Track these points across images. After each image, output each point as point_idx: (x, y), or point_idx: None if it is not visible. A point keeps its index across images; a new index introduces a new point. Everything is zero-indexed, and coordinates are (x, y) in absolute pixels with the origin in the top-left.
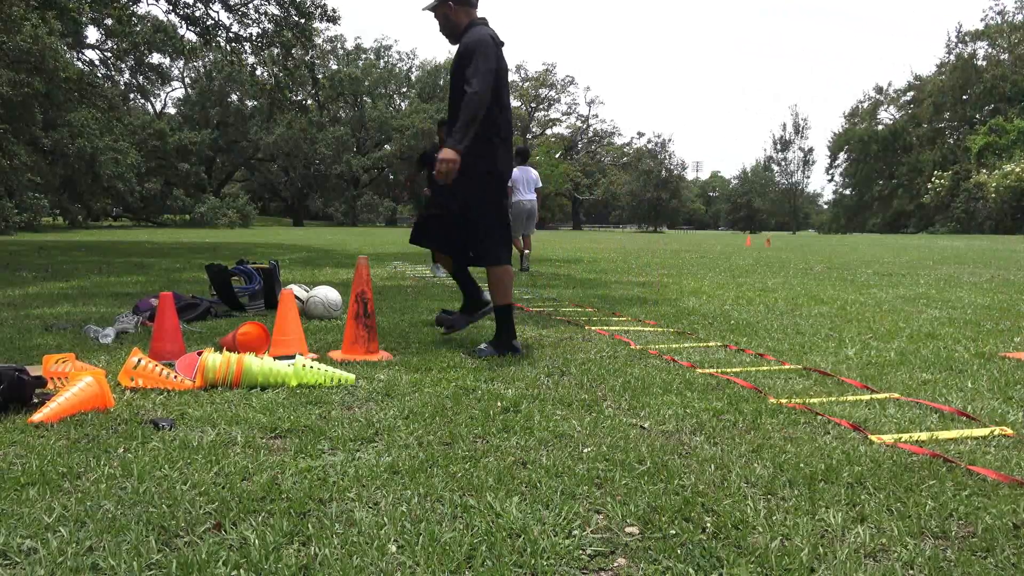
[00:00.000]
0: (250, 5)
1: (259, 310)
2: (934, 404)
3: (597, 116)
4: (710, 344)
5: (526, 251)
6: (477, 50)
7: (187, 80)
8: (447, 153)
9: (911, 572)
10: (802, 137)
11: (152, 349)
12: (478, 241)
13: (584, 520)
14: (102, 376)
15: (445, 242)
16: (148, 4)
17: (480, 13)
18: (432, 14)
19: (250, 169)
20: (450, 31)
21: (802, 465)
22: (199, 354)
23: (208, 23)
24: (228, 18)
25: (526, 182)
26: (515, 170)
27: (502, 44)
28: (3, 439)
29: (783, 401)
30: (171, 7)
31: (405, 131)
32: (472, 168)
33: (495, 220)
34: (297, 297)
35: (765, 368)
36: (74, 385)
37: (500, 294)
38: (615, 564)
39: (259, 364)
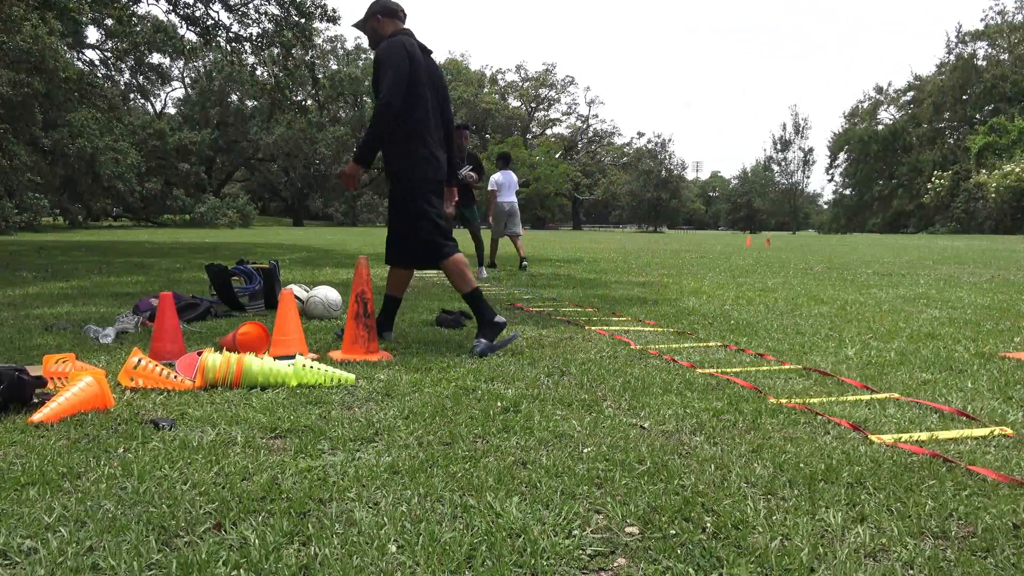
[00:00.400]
0: (250, 5)
1: (259, 310)
2: (934, 404)
3: (597, 116)
4: (710, 344)
5: (491, 254)
6: (384, 59)
7: (187, 80)
8: (348, 167)
9: (911, 572)
10: (802, 137)
11: (152, 349)
12: (420, 244)
13: (584, 520)
14: (102, 376)
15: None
16: (148, 4)
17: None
18: (361, 31)
19: (250, 169)
20: (376, 44)
21: (802, 465)
22: (199, 354)
23: (208, 23)
24: (228, 18)
25: (509, 185)
26: (498, 174)
27: (430, 52)
28: (3, 439)
29: (783, 401)
30: (171, 7)
31: None
32: (391, 175)
33: (417, 220)
34: (297, 297)
35: (765, 368)
36: (74, 385)
37: (461, 282)
38: (615, 564)
39: (259, 364)
